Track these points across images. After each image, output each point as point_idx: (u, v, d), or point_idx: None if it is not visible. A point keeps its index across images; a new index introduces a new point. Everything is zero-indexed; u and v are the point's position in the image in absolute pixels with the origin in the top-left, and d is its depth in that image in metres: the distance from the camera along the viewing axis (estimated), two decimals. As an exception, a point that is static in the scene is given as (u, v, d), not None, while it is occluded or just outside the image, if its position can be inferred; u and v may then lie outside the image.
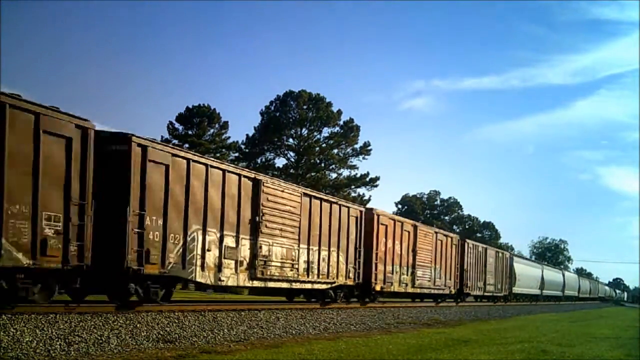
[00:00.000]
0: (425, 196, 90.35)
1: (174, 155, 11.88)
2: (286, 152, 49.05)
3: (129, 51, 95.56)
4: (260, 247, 14.38)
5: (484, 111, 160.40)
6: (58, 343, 8.48)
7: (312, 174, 48.12)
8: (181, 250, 11.99)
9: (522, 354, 11.63)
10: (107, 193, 10.54)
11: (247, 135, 48.93)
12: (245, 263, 13.95)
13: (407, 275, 22.65)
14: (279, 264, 15.11)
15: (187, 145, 39.81)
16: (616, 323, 26.97)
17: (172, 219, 11.68)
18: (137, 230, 10.92)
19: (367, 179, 49.35)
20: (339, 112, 48.42)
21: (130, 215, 10.79)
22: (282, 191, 15.37)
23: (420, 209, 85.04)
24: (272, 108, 48.62)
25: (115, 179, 10.75)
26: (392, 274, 21.21)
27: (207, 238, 12.71)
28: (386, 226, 20.79)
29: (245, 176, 14.03)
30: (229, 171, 13.47)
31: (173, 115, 47.89)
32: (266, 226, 14.59)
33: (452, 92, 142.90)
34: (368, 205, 31.81)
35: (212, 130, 47.88)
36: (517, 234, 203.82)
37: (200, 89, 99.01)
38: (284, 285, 15.78)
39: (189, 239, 12.15)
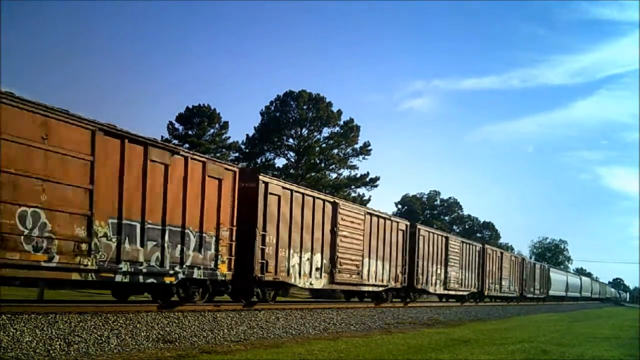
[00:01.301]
0: (425, 196, 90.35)
1: (465, 242, 29.52)
2: (286, 152, 49.02)
3: (129, 51, 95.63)
4: (448, 272, 26.95)
5: (484, 111, 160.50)
6: (58, 343, 8.49)
7: (312, 174, 48.08)
8: (426, 276, 24.76)
9: (522, 354, 11.63)
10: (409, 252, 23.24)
11: (247, 135, 48.91)
12: (443, 281, 26.50)
13: (498, 285, 35.24)
14: (453, 280, 27.73)
15: (187, 145, 39.77)
16: (616, 323, 26.96)
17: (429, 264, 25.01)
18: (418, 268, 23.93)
19: (367, 179, 49.31)
20: (339, 112, 48.40)
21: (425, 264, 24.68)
22: (455, 241, 28.46)
23: (420, 209, 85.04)
24: (272, 108, 48.58)
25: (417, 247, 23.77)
26: (492, 284, 34.08)
27: (438, 271, 25.94)
28: (490, 254, 33.52)
29: (440, 235, 26.84)
30: (435, 233, 26.41)
31: (173, 115, 47.94)
32: (451, 261, 27.30)
33: (452, 92, 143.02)
34: (369, 205, 33.17)
35: (212, 130, 47.85)
36: (517, 234, 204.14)
37: (200, 89, 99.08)
38: (453, 292, 28.48)
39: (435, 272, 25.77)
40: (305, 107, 47.72)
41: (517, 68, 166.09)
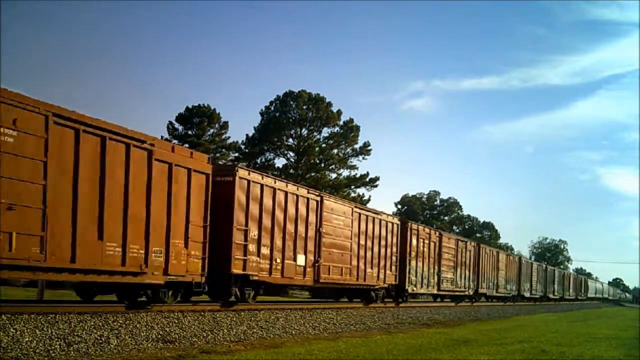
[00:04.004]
0: (425, 196, 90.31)
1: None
2: (286, 152, 49.01)
3: (129, 51, 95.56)
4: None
5: (484, 111, 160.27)
6: (58, 343, 8.49)
7: (312, 174, 48.07)
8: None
9: (521, 354, 11.64)
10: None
11: (247, 135, 48.90)
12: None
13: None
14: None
15: (187, 145, 39.74)
16: (616, 323, 26.97)
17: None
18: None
19: (367, 179, 49.29)
20: (339, 112, 48.39)
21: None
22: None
23: (420, 209, 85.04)
24: (272, 108, 48.57)
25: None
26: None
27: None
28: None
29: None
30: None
31: (173, 115, 47.94)
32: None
33: (452, 92, 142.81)
34: (369, 205, 33.24)
35: (212, 130, 47.85)
36: (517, 234, 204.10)
37: (200, 89, 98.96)
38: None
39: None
40: (305, 107, 47.73)
41: (517, 68, 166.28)
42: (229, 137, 48.70)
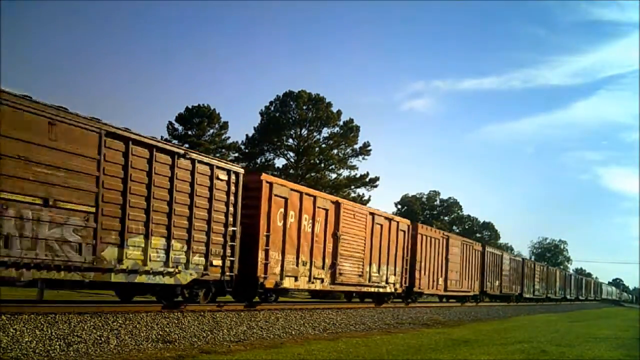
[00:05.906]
0: (425, 196, 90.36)
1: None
2: (286, 152, 49.01)
3: (129, 51, 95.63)
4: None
5: (484, 112, 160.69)
6: (57, 343, 8.48)
7: (312, 174, 48.07)
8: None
9: (521, 355, 11.64)
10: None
11: (247, 135, 48.91)
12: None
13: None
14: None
15: (187, 145, 39.68)
16: (616, 323, 26.98)
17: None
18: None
19: (367, 179, 49.31)
20: (339, 113, 48.40)
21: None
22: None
23: (420, 209, 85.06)
24: (272, 108, 48.58)
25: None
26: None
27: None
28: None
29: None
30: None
31: (173, 115, 47.95)
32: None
33: (452, 92, 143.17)
34: (369, 205, 34.06)
35: (212, 131, 47.86)
36: (517, 234, 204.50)
37: (200, 89, 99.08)
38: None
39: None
40: (305, 107, 47.73)
41: (518, 69, 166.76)
42: (229, 137, 48.77)
